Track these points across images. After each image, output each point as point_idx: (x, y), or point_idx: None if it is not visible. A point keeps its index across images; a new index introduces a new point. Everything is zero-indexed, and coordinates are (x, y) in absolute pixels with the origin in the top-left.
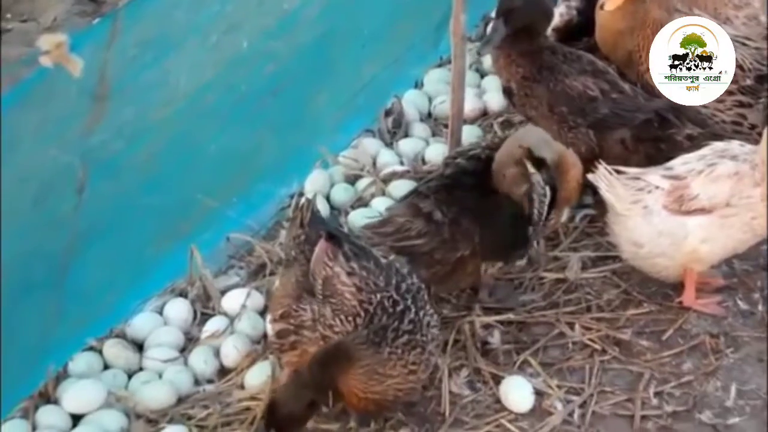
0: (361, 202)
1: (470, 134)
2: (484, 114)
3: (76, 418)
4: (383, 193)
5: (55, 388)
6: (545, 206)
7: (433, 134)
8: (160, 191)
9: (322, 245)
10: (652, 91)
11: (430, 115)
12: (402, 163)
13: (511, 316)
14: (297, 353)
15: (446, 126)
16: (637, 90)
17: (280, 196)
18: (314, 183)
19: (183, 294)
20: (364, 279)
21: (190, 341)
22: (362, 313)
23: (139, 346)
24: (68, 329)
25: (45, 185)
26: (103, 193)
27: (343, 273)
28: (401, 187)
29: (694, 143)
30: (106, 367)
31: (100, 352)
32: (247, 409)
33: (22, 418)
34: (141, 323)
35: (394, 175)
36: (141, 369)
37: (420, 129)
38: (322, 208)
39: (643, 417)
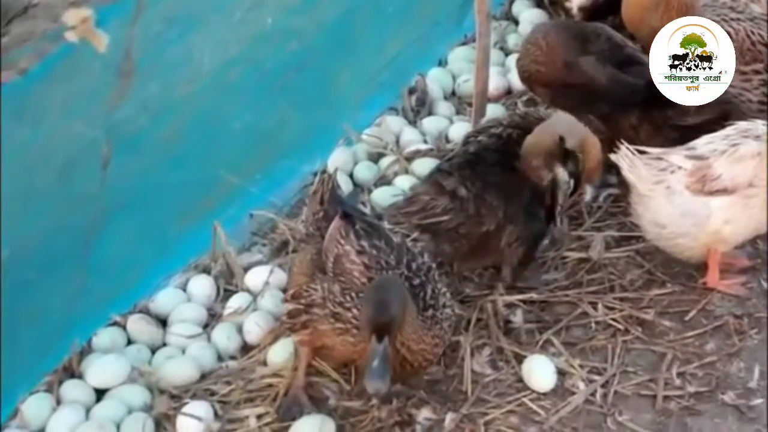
0: (385, 180)
1: (494, 113)
2: (509, 92)
3: (100, 393)
4: (406, 172)
5: (79, 363)
6: (566, 198)
7: (457, 112)
8: (184, 167)
9: (335, 223)
10: None
11: (454, 93)
12: (425, 142)
13: (533, 295)
14: (308, 332)
15: (470, 104)
16: None
17: (303, 173)
18: (337, 160)
19: (206, 270)
20: (374, 258)
21: (213, 317)
22: None
23: (163, 322)
24: (92, 304)
25: (70, 160)
26: (128, 169)
27: (353, 252)
28: (424, 166)
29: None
30: (129, 342)
31: (124, 327)
32: (270, 385)
33: (47, 392)
34: (164, 299)
35: (417, 154)
36: (164, 344)
37: (444, 107)
38: (345, 185)
39: (666, 397)
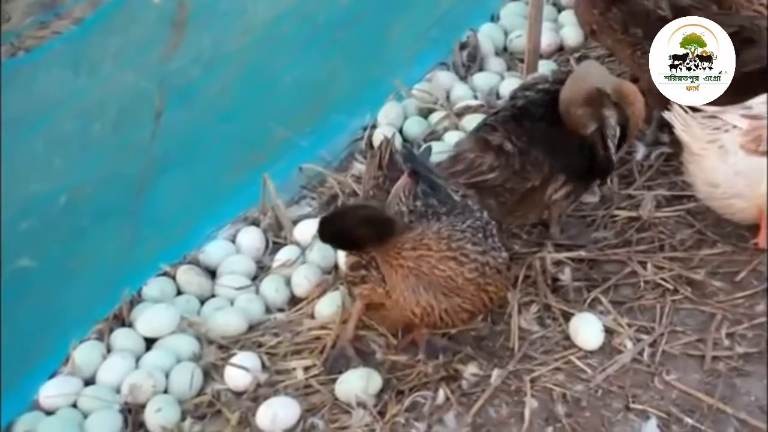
0: (434, 136)
1: (546, 69)
2: (560, 49)
3: (149, 342)
4: (456, 127)
5: (130, 312)
6: (616, 144)
7: (508, 69)
8: (235, 120)
9: (402, 180)
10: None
11: (505, 49)
12: (476, 98)
13: (582, 253)
14: (368, 287)
15: (522, 60)
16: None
17: (353, 127)
18: (387, 115)
19: (255, 223)
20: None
21: (261, 270)
22: None
23: (212, 273)
24: (143, 254)
25: (123, 110)
26: (180, 120)
27: (407, 212)
28: (474, 122)
29: None
30: (179, 292)
31: (174, 277)
32: (317, 338)
33: (97, 339)
34: (214, 250)
35: (467, 109)
36: (213, 296)
37: (495, 63)
38: (396, 140)
39: (714, 358)
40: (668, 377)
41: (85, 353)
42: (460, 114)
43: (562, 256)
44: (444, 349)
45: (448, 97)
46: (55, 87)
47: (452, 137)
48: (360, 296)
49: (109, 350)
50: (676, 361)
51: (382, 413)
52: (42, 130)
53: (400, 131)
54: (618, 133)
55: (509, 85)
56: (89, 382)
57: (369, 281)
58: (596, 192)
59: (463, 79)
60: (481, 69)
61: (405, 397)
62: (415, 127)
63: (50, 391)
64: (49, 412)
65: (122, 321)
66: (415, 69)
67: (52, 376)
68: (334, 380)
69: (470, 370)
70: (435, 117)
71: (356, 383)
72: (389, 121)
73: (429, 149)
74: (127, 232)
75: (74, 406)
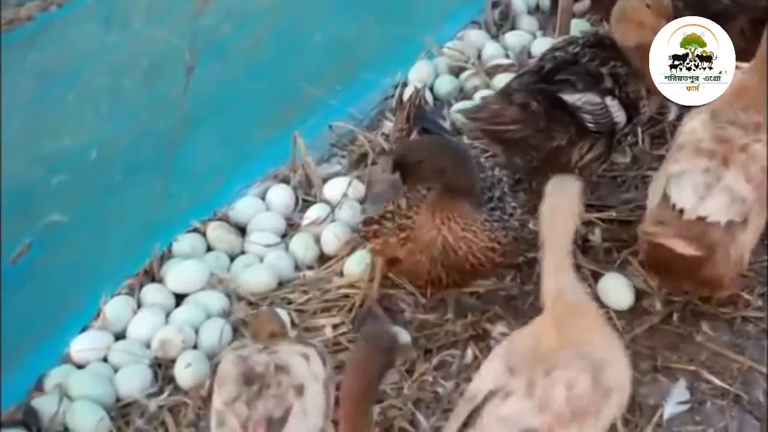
0: (465, 95)
1: (579, 28)
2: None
3: (179, 297)
4: (487, 86)
5: (160, 267)
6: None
7: (541, 28)
8: (266, 77)
9: (413, 138)
10: None
11: (538, 7)
12: (507, 57)
13: (612, 213)
14: (380, 242)
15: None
16: None
17: (383, 85)
18: (418, 73)
19: (285, 180)
20: None
21: (291, 227)
22: None
23: (242, 230)
24: (174, 210)
25: (154, 66)
26: (211, 77)
27: None
28: (505, 81)
29: None
30: (209, 249)
31: (204, 234)
32: (346, 296)
33: (128, 294)
34: (244, 207)
35: (498, 68)
36: (243, 252)
37: (527, 22)
38: (427, 99)
39: (744, 318)
40: (698, 338)
41: (115, 308)
42: (491, 73)
43: (593, 216)
44: (473, 308)
45: (479, 56)
46: (86, 42)
47: (483, 95)
48: (373, 251)
49: (139, 305)
50: (706, 322)
51: (410, 371)
52: (73, 85)
53: (431, 90)
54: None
55: (541, 44)
56: (120, 336)
57: (380, 235)
58: (627, 152)
59: (495, 37)
60: (513, 28)
61: (433, 355)
62: (445, 85)
63: (81, 345)
64: (80, 366)
65: (152, 276)
66: (447, 27)
67: (83, 330)
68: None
69: (499, 329)
70: (466, 76)
71: None
72: (420, 79)
73: (439, 108)
74: (157, 188)
75: (105, 360)
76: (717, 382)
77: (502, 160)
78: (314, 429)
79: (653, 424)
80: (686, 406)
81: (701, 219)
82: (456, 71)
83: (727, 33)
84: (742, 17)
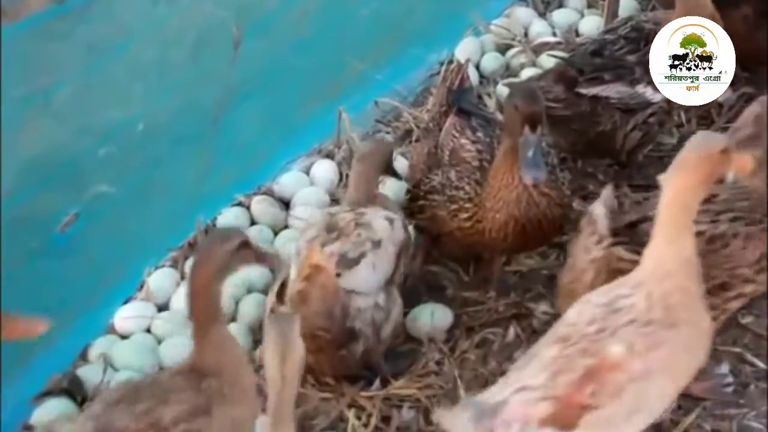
0: (511, 72)
1: (628, 7)
2: None
3: None
4: (533, 64)
5: None
6: None
7: (589, 6)
8: (312, 52)
9: (450, 119)
10: None
11: None
12: (554, 35)
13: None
14: (426, 216)
15: None
16: None
17: (429, 62)
18: (465, 50)
19: (330, 155)
20: (487, 144)
21: (334, 202)
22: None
23: (286, 204)
24: (218, 184)
25: (201, 40)
26: (257, 51)
27: (468, 143)
28: (552, 59)
29: None
30: (252, 222)
31: (248, 207)
32: None
33: (172, 267)
34: (288, 182)
35: (545, 46)
36: (286, 227)
37: (575, 0)
38: (472, 76)
39: None
40: (743, 320)
41: (159, 280)
42: (538, 51)
43: (640, 196)
44: (515, 286)
45: (526, 34)
46: (134, 15)
47: (529, 74)
48: (418, 228)
49: (182, 277)
50: (750, 304)
51: (452, 349)
52: (121, 58)
53: (477, 67)
54: None
55: (589, 22)
56: (162, 308)
57: (427, 210)
58: (674, 133)
59: (542, 15)
60: (560, 6)
61: (475, 333)
62: (492, 62)
63: (125, 315)
64: (124, 337)
65: (196, 249)
66: (494, 4)
67: (127, 301)
68: (405, 315)
69: (541, 308)
70: (512, 53)
71: (426, 318)
72: (467, 55)
73: (470, 89)
74: (202, 161)
75: (148, 331)
76: (760, 365)
77: (548, 139)
78: (377, 284)
79: (700, 407)
80: (730, 389)
81: None
82: (503, 49)
83: (732, 19)
84: (746, 5)
